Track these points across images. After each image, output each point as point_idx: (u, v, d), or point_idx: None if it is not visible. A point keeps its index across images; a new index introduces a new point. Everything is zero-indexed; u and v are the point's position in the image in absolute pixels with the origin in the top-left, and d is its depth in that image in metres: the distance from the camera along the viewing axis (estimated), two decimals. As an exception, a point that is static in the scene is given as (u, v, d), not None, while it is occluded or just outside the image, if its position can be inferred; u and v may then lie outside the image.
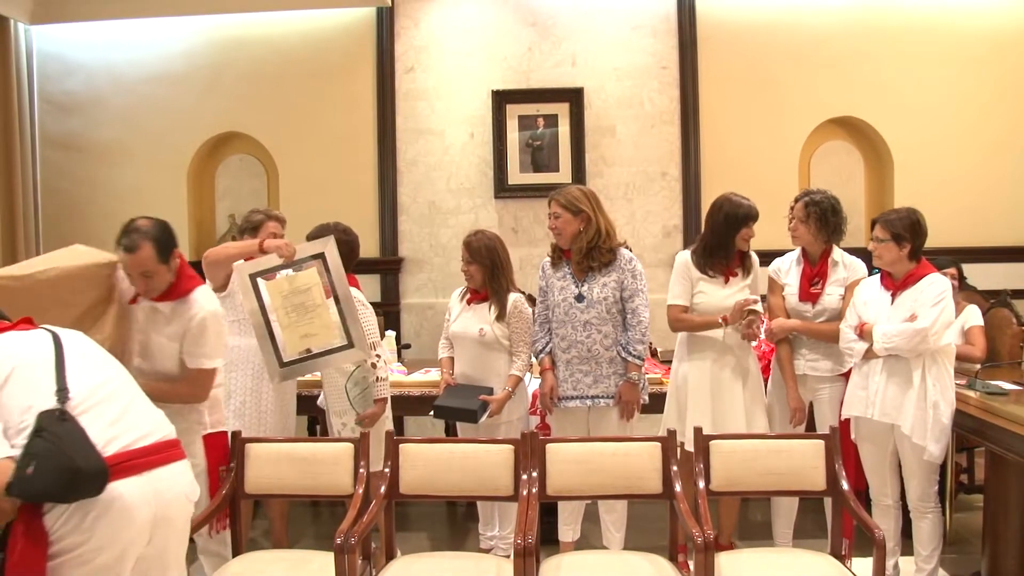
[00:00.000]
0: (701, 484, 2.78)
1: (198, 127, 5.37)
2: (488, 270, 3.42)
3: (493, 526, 3.62)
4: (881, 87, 5.19)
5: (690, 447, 2.92)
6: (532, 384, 3.64)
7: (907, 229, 3.04)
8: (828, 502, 2.90)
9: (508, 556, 2.90)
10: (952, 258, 4.02)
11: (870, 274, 3.31)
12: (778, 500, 3.43)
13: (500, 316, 3.41)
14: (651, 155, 5.28)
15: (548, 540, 3.26)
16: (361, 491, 2.76)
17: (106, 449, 1.93)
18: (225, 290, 3.32)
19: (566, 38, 5.26)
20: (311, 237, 3.36)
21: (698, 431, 2.86)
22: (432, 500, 3.37)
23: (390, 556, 2.80)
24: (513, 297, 3.43)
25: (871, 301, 3.14)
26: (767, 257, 3.62)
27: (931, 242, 3.13)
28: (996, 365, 3.75)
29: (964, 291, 4.06)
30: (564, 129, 5.22)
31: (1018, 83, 5.17)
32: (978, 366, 3.48)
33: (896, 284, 3.09)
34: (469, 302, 3.52)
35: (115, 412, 2.03)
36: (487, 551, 3.55)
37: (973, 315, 3.86)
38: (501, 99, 5.22)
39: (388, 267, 5.32)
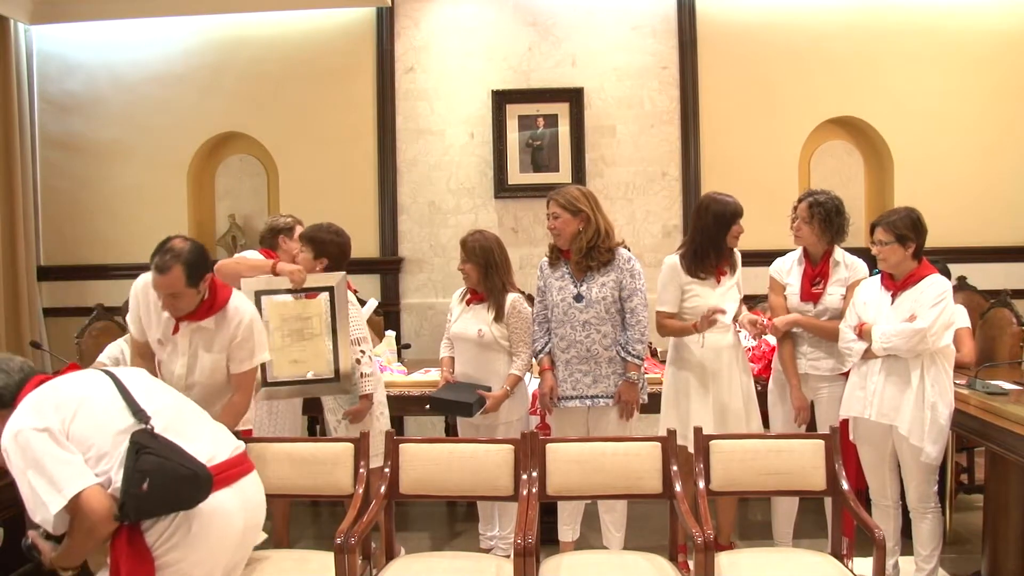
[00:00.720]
0: (701, 484, 2.78)
1: (198, 127, 5.37)
2: (482, 269, 3.42)
3: (493, 526, 3.62)
4: (881, 87, 5.19)
5: (690, 447, 2.92)
6: (532, 384, 3.64)
7: (910, 229, 3.04)
8: (828, 502, 2.90)
9: (508, 556, 2.90)
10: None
11: (871, 274, 3.31)
12: (778, 500, 3.42)
13: (498, 317, 3.41)
14: (651, 155, 5.28)
15: (548, 540, 3.26)
16: (361, 491, 2.76)
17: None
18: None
19: (566, 38, 5.26)
20: (305, 237, 3.42)
21: (698, 431, 2.86)
22: (432, 500, 3.37)
23: (390, 556, 2.80)
24: (511, 297, 3.43)
25: (871, 301, 3.14)
26: (766, 257, 3.63)
27: (931, 242, 3.12)
28: (996, 365, 3.75)
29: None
30: (564, 129, 5.22)
31: (1018, 83, 5.17)
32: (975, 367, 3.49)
33: (896, 284, 3.09)
34: (468, 303, 3.52)
35: (191, 431, 2.11)
36: (487, 551, 3.56)
37: (960, 317, 3.76)
38: (501, 99, 5.22)
39: (388, 267, 5.32)
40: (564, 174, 5.18)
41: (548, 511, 3.39)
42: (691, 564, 2.52)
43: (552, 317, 3.37)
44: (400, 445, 2.82)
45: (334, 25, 5.30)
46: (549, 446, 2.79)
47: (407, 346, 5.04)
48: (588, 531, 3.59)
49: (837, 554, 2.72)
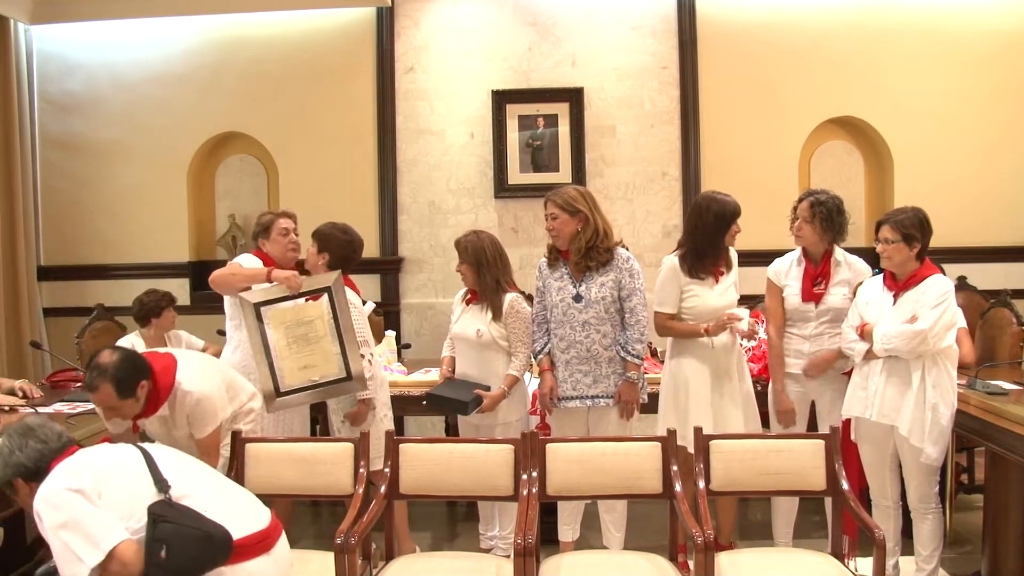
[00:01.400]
0: (701, 484, 2.78)
1: (198, 127, 5.37)
2: (475, 269, 3.42)
3: (493, 526, 3.62)
4: (881, 87, 5.18)
5: (689, 447, 2.92)
6: (532, 384, 3.64)
7: (917, 228, 3.02)
8: (828, 502, 2.90)
9: (508, 556, 2.90)
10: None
11: (873, 274, 3.30)
12: (778, 500, 3.42)
13: (496, 316, 3.41)
14: (651, 155, 5.27)
15: (548, 540, 3.25)
16: (361, 491, 2.76)
17: (232, 532, 2.08)
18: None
19: (566, 38, 5.26)
20: (316, 231, 3.41)
21: (698, 431, 2.86)
22: (432, 500, 3.37)
23: (390, 556, 2.80)
24: (509, 297, 3.43)
25: (873, 301, 3.13)
26: (766, 257, 3.63)
27: (931, 242, 3.11)
28: (996, 365, 3.74)
29: None
30: (564, 129, 5.22)
31: (1018, 83, 5.17)
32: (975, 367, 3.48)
33: (899, 284, 3.08)
34: (468, 303, 3.53)
35: (221, 500, 2.19)
36: (487, 551, 3.56)
37: (957, 318, 3.77)
38: (501, 99, 5.22)
39: (388, 267, 5.32)
40: (564, 174, 5.18)
41: (548, 511, 3.39)
42: (691, 564, 2.52)
43: (551, 317, 3.37)
44: (400, 445, 2.82)
45: (334, 25, 5.30)
46: (549, 446, 2.79)
47: (407, 346, 5.04)
48: (588, 531, 3.59)
49: (837, 554, 2.72)
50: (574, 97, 5.21)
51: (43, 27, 5.31)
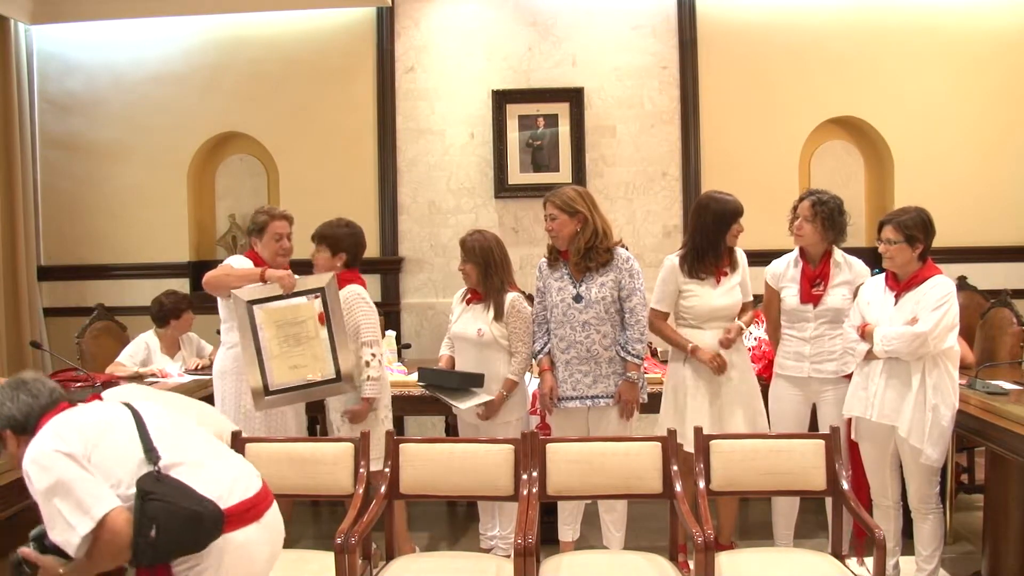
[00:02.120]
0: (701, 484, 2.77)
1: (198, 127, 5.37)
2: (482, 269, 3.42)
3: (493, 526, 3.62)
4: (881, 87, 5.18)
5: (689, 447, 2.92)
6: (532, 384, 3.64)
7: (920, 229, 3.01)
8: (828, 502, 2.90)
9: (508, 556, 2.90)
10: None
11: (873, 274, 3.30)
12: (778, 500, 3.42)
13: (497, 316, 3.41)
14: (651, 155, 5.27)
15: (548, 540, 3.25)
16: (361, 491, 2.76)
17: (222, 501, 2.02)
18: (231, 297, 3.31)
19: (566, 38, 5.26)
20: (318, 236, 3.41)
21: (698, 431, 2.86)
22: (432, 500, 3.37)
23: (390, 556, 2.80)
24: (510, 296, 3.43)
25: (874, 301, 3.12)
26: (766, 257, 3.62)
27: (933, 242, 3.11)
28: (996, 365, 3.74)
29: None
30: (564, 129, 5.22)
31: (1018, 83, 5.17)
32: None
33: (901, 285, 3.06)
34: (468, 302, 3.53)
35: (211, 466, 2.12)
36: (487, 551, 3.56)
37: None
38: (501, 99, 5.22)
39: (388, 267, 5.32)
40: (564, 174, 5.18)
41: (548, 511, 3.39)
42: (691, 564, 2.52)
43: (551, 318, 3.37)
44: (400, 445, 2.82)
45: (334, 25, 5.30)
46: (549, 446, 2.79)
47: (407, 346, 5.04)
48: (588, 531, 3.59)
49: (837, 554, 2.72)
50: (574, 97, 5.21)
51: (43, 27, 5.31)
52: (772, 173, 5.17)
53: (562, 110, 5.21)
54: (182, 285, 5.15)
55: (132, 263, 5.35)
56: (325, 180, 5.29)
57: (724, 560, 2.62)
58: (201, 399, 3.25)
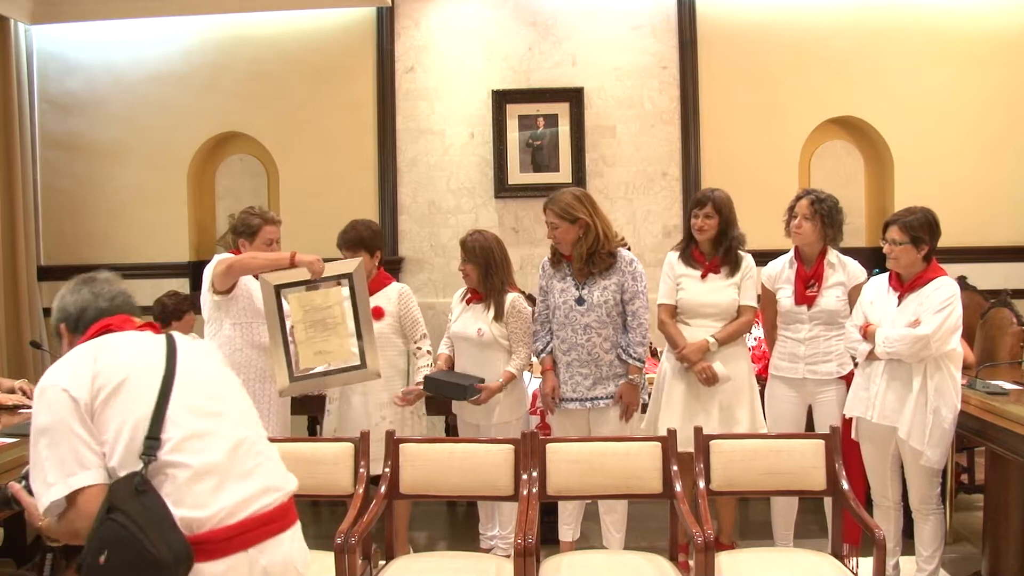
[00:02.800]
0: (701, 484, 2.77)
1: (198, 127, 5.37)
2: (482, 269, 3.42)
3: (493, 526, 3.62)
4: (881, 87, 5.18)
5: (688, 447, 2.92)
6: (532, 384, 3.64)
7: (926, 230, 3.00)
8: (828, 502, 2.89)
9: (508, 556, 2.90)
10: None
11: (873, 274, 3.29)
12: (778, 500, 3.42)
13: (498, 316, 3.41)
14: (651, 155, 5.27)
15: (548, 540, 3.25)
16: (361, 491, 2.76)
17: (202, 523, 1.67)
18: (230, 294, 3.30)
19: (566, 38, 5.26)
20: (349, 244, 3.44)
21: (698, 431, 2.86)
22: (432, 500, 3.37)
23: (390, 556, 2.80)
24: (511, 296, 3.43)
25: (877, 301, 3.11)
26: (766, 257, 3.62)
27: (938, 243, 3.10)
28: (996, 365, 3.74)
29: None
30: (564, 129, 5.22)
31: (1018, 83, 5.17)
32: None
33: (904, 286, 3.05)
34: (468, 302, 3.52)
35: (219, 467, 1.75)
36: (487, 551, 3.55)
37: None
38: (501, 99, 5.22)
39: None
40: (564, 174, 5.18)
41: (548, 511, 3.39)
42: (691, 564, 2.52)
43: (553, 319, 3.37)
44: (400, 445, 2.82)
45: (334, 25, 5.30)
46: (549, 446, 2.79)
47: (407, 346, 5.03)
48: (588, 531, 3.59)
49: (837, 554, 2.72)
50: (574, 97, 5.21)
51: (43, 27, 5.31)
52: (772, 173, 5.17)
53: (562, 110, 5.21)
54: (182, 285, 5.16)
55: (132, 263, 5.34)
56: (325, 180, 5.29)
57: (724, 560, 2.62)
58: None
